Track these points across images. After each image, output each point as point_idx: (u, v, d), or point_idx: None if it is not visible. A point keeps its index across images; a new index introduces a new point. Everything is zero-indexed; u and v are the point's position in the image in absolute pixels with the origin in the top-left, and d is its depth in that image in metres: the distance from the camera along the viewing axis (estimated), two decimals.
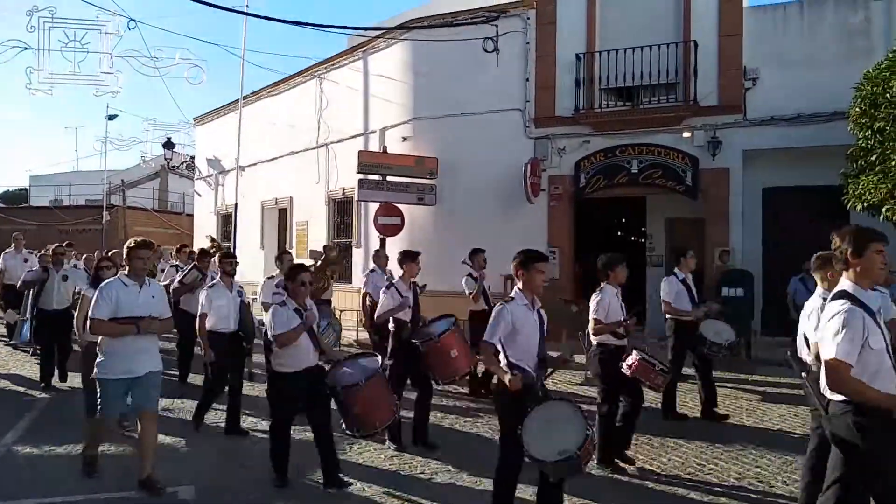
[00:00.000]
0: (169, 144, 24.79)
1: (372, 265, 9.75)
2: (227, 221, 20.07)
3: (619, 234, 15.57)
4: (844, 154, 10.13)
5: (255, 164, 19.05)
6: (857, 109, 9.80)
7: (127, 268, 5.35)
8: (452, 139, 13.67)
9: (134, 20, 18.95)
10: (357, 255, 15.18)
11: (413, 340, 6.42)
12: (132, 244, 5.30)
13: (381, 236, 13.09)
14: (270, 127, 18.33)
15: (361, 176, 13.07)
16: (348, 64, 15.97)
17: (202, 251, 10.24)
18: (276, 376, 5.44)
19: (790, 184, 12.15)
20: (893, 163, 9.14)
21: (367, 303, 8.86)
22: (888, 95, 9.14)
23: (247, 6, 16.36)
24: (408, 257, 7.18)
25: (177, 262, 11.59)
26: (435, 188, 13.63)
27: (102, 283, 5.32)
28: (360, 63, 15.59)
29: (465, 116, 13.57)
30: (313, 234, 16.54)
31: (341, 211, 16.37)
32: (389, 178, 13.24)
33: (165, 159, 25.24)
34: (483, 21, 13.43)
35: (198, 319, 7.09)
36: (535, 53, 13.40)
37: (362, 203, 14.62)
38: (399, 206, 13.26)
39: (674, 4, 12.67)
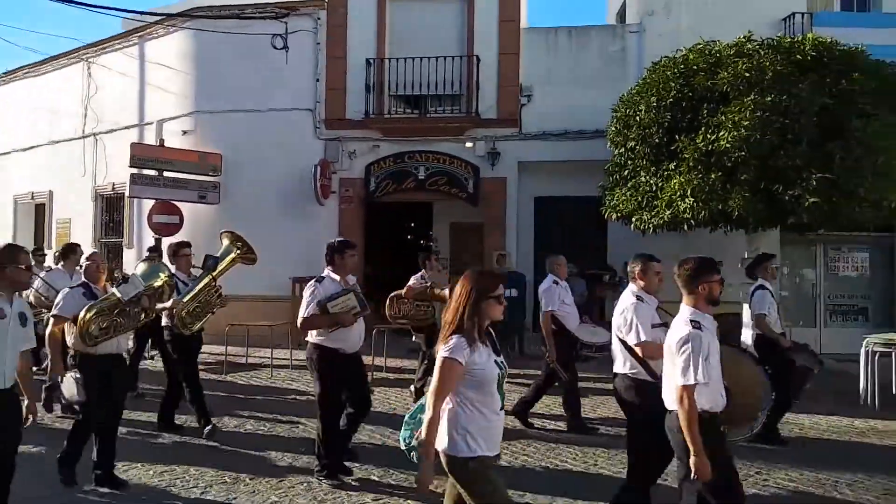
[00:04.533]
0: None
1: (552, 278, 7.17)
2: None
3: (408, 237, 16.09)
4: (603, 169, 11.27)
5: (7, 154, 16.91)
6: (614, 129, 10.95)
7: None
8: (238, 135, 13.14)
9: None
10: (129, 256, 13.98)
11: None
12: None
13: (157, 236, 12.21)
14: (27, 112, 16.35)
15: (135, 170, 12.11)
16: (122, 49, 14.71)
17: (342, 242, 5.69)
18: None
19: (558, 194, 13.23)
20: (642, 178, 10.32)
21: (551, 325, 6.96)
22: (637, 118, 10.30)
23: None
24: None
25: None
26: (219, 186, 13.00)
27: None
28: (136, 49, 14.43)
29: (252, 113, 13.14)
30: (77, 233, 14.95)
31: (111, 208, 15.00)
32: (167, 174, 12.39)
33: None
34: (272, 17, 13.10)
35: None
36: (326, 55, 13.32)
37: (135, 200, 13.51)
38: (178, 203, 12.46)
39: (459, 19, 13.27)
